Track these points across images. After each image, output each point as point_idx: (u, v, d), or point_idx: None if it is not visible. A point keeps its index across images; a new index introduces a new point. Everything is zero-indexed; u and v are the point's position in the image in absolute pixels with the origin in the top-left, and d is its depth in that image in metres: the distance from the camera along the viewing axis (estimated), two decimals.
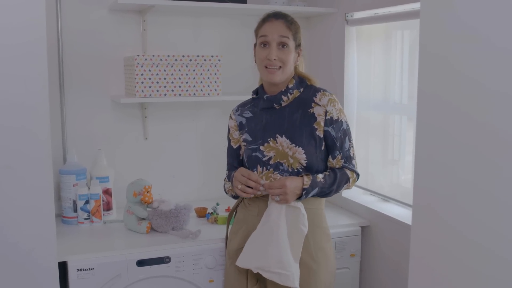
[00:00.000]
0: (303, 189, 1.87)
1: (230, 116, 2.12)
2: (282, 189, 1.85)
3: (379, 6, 2.40)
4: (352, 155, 1.99)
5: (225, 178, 2.15)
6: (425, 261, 1.39)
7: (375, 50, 2.60)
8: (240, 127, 2.07)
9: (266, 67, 1.92)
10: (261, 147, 1.97)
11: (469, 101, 1.22)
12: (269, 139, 1.96)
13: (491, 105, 1.17)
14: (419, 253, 1.41)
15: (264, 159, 1.96)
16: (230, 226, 2.13)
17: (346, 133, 1.97)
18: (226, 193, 2.15)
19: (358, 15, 2.58)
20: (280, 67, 1.91)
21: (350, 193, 2.65)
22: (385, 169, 2.60)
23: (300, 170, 1.93)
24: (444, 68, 1.29)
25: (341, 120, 1.96)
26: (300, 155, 1.92)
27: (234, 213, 2.11)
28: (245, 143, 2.03)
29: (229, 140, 2.13)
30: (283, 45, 1.91)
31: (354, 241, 2.44)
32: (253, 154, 1.98)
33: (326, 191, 1.93)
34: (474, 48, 1.20)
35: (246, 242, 1.94)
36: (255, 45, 2.00)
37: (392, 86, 2.51)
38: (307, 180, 1.88)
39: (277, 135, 1.96)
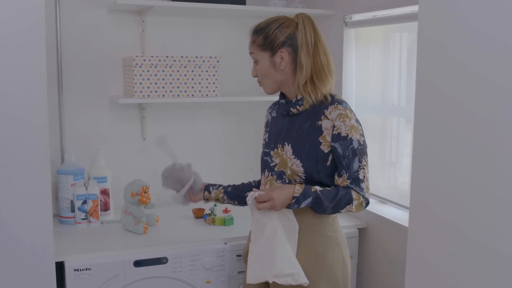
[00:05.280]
0: (293, 197, 1.77)
1: (267, 110, 2.11)
2: (270, 202, 1.77)
3: (378, 9, 2.41)
4: (362, 177, 1.82)
5: None
6: (422, 260, 1.39)
7: (374, 52, 2.60)
8: (266, 125, 2.07)
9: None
10: (271, 152, 1.95)
11: (467, 104, 1.22)
12: (278, 145, 1.93)
13: (489, 107, 1.17)
14: (416, 253, 1.41)
15: (271, 165, 1.94)
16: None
17: (356, 153, 1.82)
18: None
19: (357, 17, 2.59)
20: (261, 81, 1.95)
21: None
22: (383, 171, 2.60)
23: (299, 183, 1.86)
24: (442, 71, 1.30)
25: (350, 138, 1.81)
26: (297, 168, 1.85)
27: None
28: (263, 143, 2.04)
29: None
30: (254, 61, 1.94)
31: (351, 243, 2.44)
32: (264, 158, 1.98)
33: (321, 205, 1.78)
34: (474, 52, 1.20)
35: (248, 258, 1.87)
36: None
37: (390, 88, 2.52)
38: (298, 189, 1.78)
39: (285, 143, 1.91)
